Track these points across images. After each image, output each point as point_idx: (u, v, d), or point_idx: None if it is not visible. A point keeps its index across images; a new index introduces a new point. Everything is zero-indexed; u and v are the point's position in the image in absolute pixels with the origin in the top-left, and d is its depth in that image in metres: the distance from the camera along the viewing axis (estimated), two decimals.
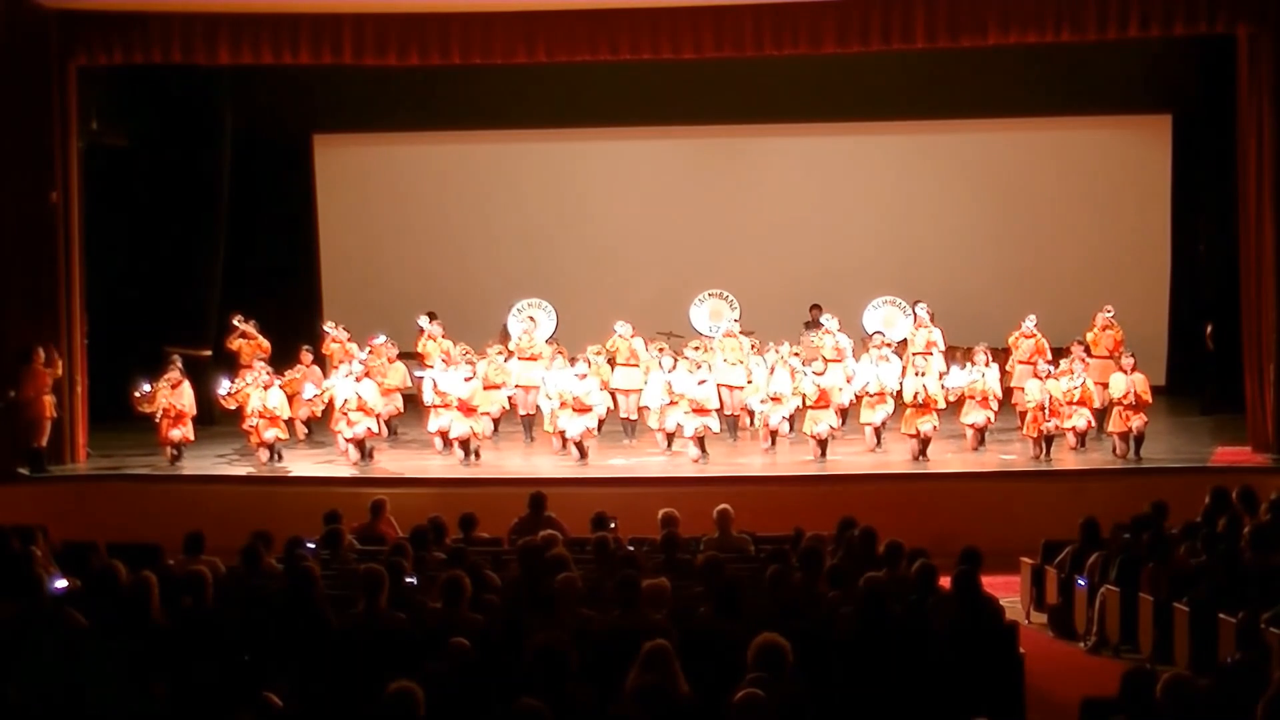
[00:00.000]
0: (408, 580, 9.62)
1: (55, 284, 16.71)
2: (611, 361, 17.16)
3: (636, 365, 17.08)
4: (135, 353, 17.40)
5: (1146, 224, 20.44)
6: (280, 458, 16.53)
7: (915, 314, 18.07)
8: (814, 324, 18.14)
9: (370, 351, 17.38)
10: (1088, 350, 16.75)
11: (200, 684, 7.29)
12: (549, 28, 16.58)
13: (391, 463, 16.63)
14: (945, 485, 15.26)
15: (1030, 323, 17.33)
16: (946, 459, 16.17)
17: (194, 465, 16.55)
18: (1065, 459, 16.00)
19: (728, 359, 17.00)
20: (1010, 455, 16.28)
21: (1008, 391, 17.02)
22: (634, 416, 17.19)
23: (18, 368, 16.10)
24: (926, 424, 15.85)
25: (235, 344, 17.85)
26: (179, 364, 16.87)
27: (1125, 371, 16.02)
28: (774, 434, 16.59)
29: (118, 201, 19.33)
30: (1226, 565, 10.47)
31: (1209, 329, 18.66)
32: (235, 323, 17.92)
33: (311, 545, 11.14)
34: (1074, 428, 16.07)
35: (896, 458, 16.28)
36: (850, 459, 16.27)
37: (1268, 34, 15.86)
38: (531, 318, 18.53)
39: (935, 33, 16.29)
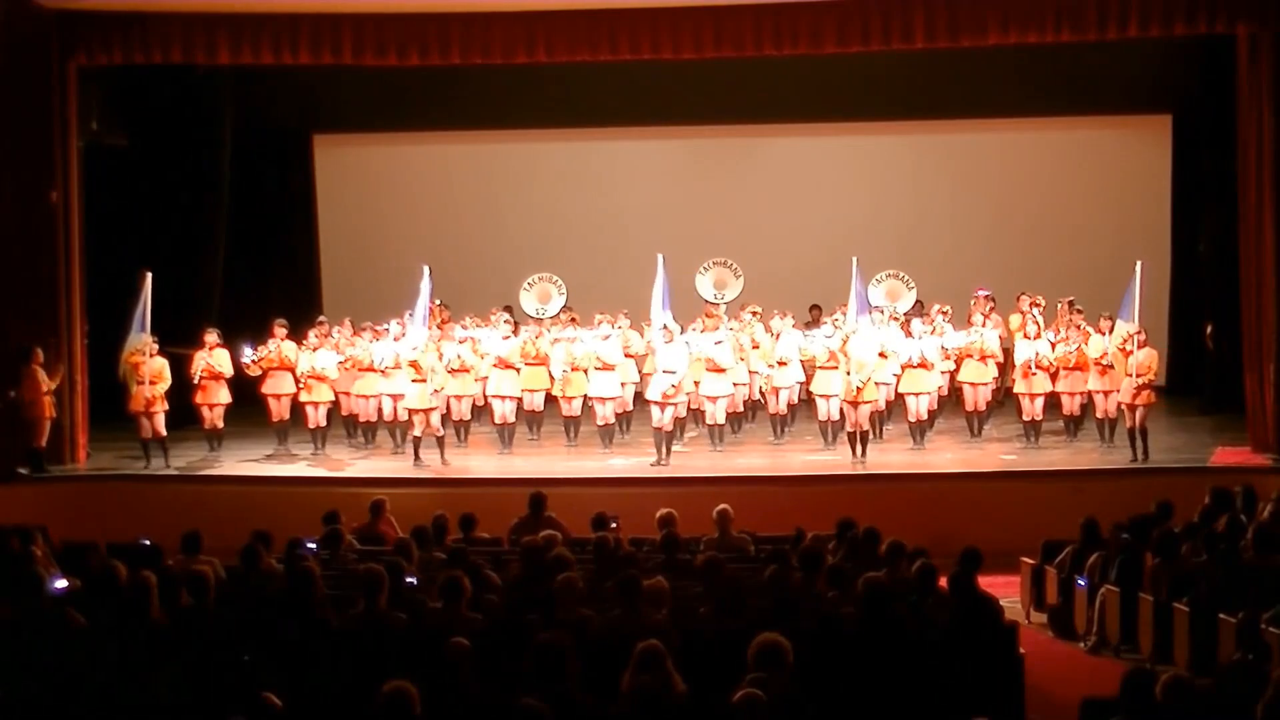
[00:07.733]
0: (408, 580, 9.63)
1: (55, 284, 16.71)
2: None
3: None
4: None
5: (1146, 224, 20.42)
6: (322, 442, 16.79)
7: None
8: (814, 325, 18.12)
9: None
10: (1079, 312, 16.77)
11: (200, 684, 7.29)
12: (549, 28, 16.59)
13: (392, 463, 16.64)
14: (945, 485, 15.24)
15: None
16: (946, 459, 16.18)
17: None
18: (1064, 459, 16.00)
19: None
20: (1010, 455, 16.28)
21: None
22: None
23: (18, 368, 16.09)
24: (921, 386, 16.25)
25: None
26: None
27: (1104, 333, 15.99)
28: (782, 418, 16.87)
29: (118, 201, 19.32)
30: (1226, 565, 10.47)
31: (1209, 329, 18.65)
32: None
33: (312, 545, 11.15)
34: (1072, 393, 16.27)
35: (897, 458, 16.29)
36: (849, 459, 16.26)
37: (1268, 34, 15.86)
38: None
39: (935, 33, 16.29)
